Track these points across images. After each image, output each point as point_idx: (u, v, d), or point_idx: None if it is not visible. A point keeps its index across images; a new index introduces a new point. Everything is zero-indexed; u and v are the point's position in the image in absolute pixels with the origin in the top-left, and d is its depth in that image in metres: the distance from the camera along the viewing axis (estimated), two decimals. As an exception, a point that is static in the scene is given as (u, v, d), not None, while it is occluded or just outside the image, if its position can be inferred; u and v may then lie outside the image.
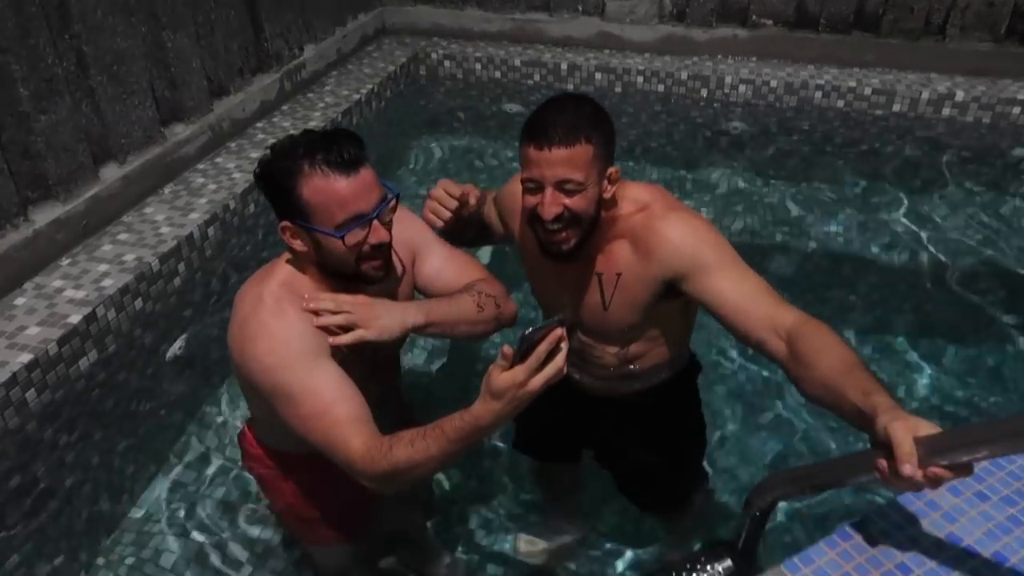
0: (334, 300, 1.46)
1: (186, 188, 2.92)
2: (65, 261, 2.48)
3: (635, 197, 1.65)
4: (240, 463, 2.52)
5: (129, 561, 2.24)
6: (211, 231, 2.73)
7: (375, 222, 1.41)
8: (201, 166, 3.10)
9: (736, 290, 1.51)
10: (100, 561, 2.24)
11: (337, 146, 1.36)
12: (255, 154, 3.18)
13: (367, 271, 1.46)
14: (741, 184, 3.82)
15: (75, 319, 2.21)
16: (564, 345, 1.22)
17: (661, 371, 1.85)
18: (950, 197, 3.66)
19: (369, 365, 1.57)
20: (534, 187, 1.52)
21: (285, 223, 1.42)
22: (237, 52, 3.35)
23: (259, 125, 3.47)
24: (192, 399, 2.70)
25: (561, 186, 1.48)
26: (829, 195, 3.71)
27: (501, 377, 1.19)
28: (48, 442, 2.15)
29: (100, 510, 2.32)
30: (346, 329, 1.46)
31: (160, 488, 2.45)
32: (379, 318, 1.49)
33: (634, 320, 1.68)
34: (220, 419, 2.70)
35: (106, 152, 2.71)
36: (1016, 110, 3.86)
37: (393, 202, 1.47)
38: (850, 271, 3.28)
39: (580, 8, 4.54)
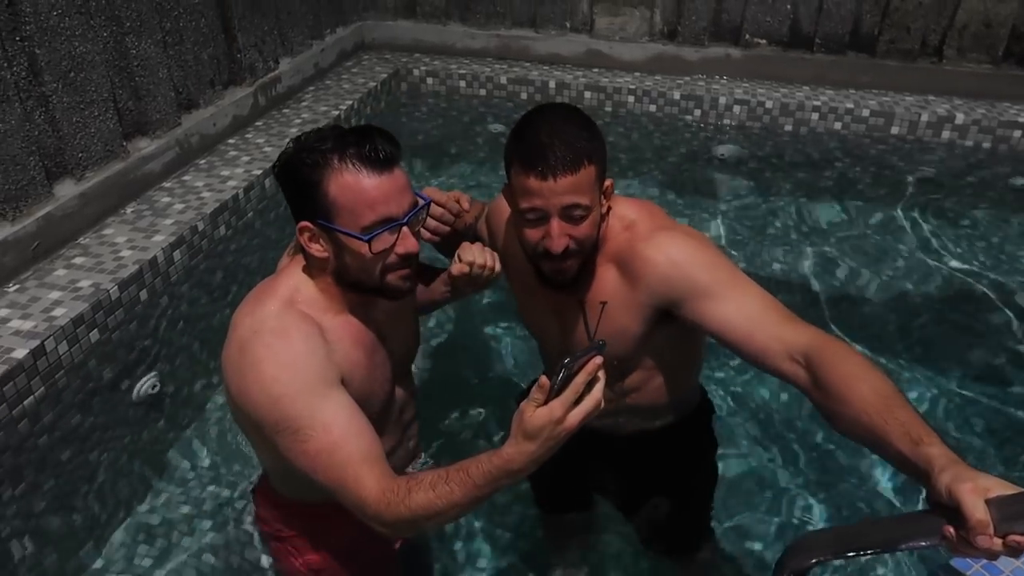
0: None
1: (150, 208, 2.68)
2: (12, 287, 2.22)
3: (621, 215, 1.49)
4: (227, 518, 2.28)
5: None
6: (177, 255, 2.49)
7: (405, 229, 1.27)
8: (167, 184, 2.85)
9: (738, 314, 1.34)
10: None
11: (371, 141, 1.21)
12: (226, 172, 2.96)
13: (393, 283, 1.31)
14: (736, 207, 3.67)
15: (20, 354, 1.95)
16: (602, 375, 1.07)
17: (664, 407, 1.67)
18: (951, 222, 3.54)
19: (394, 376, 1.46)
20: (537, 218, 1.35)
21: (305, 224, 1.26)
22: (208, 63, 3.13)
23: (231, 141, 3.24)
24: (159, 443, 2.44)
25: (568, 214, 1.33)
26: (826, 218, 3.57)
27: (536, 414, 1.04)
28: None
29: (51, 568, 2.05)
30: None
31: (121, 547, 2.20)
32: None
33: (624, 352, 1.51)
34: (190, 467, 2.45)
35: (61, 167, 2.46)
36: (1017, 134, 3.76)
37: (425, 211, 1.33)
38: (849, 298, 3.13)
39: (568, 25, 4.39)
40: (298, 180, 1.25)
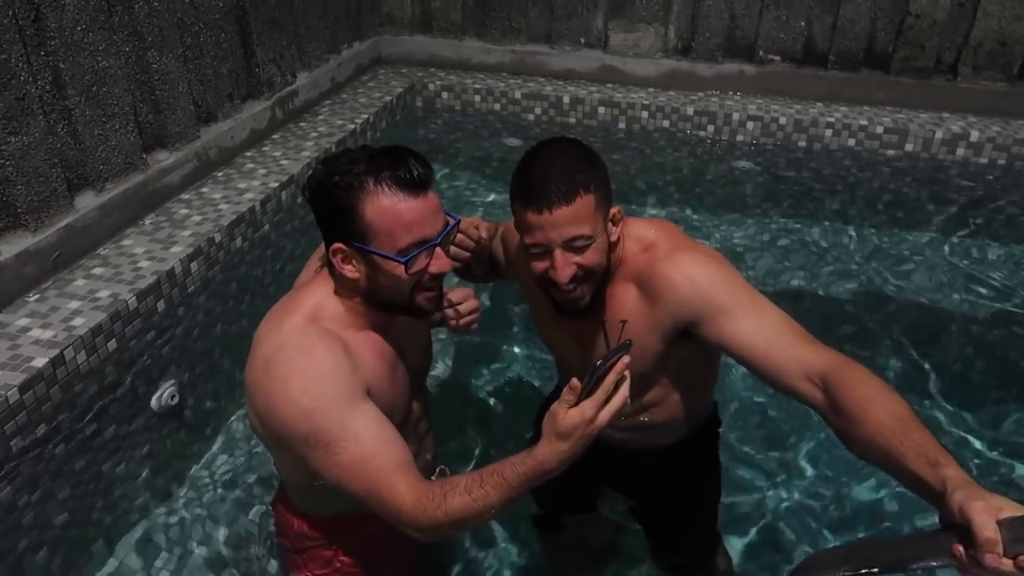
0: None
1: (168, 219, 2.72)
2: (33, 297, 2.25)
3: (639, 235, 1.51)
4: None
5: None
6: (194, 266, 2.52)
7: (438, 249, 1.29)
8: (185, 196, 2.89)
9: (756, 333, 1.35)
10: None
11: (405, 164, 1.23)
12: (243, 184, 2.99)
13: (421, 303, 1.33)
14: (749, 224, 3.68)
15: (40, 363, 1.97)
16: (627, 373, 1.13)
17: (680, 423, 1.69)
18: (965, 239, 3.53)
19: (411, 390, 1.49)
20: (541, 251, 1.38)
21: (339, 246, 1.28)
22: (227, 76, 3.17)
23: (248, 154, 3.28)
24: (175, 453, 2.46)
25: (570, 245, 1.35)
26: (841, 236, 3.57)
27: (569, 415, 1.09)
28: (6, 503, 1.90)
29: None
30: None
31: (135, 557, 2.22)
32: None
33: (645, 369, 1.52)
34: (208, 476, 2.47)
35: (83, 179, 2.50)
36: (1032, 151, 3.76)
37: (455, 230, 1.36)
38: (862, 314, 3.13)
39: (582, 40, 4.43)
40: (331, 203, 1.25)
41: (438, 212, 1.29)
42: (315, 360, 1.25)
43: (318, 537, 1.55)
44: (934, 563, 1.03)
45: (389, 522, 1.24)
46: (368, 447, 1.22)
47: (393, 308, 1.35)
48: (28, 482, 1.95)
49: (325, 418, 1.22)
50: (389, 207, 1.23)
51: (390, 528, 1.25)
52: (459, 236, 1.63)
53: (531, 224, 1.35)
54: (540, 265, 1.40)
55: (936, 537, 0.99)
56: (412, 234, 1.25)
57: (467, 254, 1.65)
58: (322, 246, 1.41)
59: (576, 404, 1.10)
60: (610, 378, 1.11)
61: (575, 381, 1.11)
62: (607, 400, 1.11)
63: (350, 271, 1.30)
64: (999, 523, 0.89)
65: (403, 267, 1.25)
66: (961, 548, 0.92)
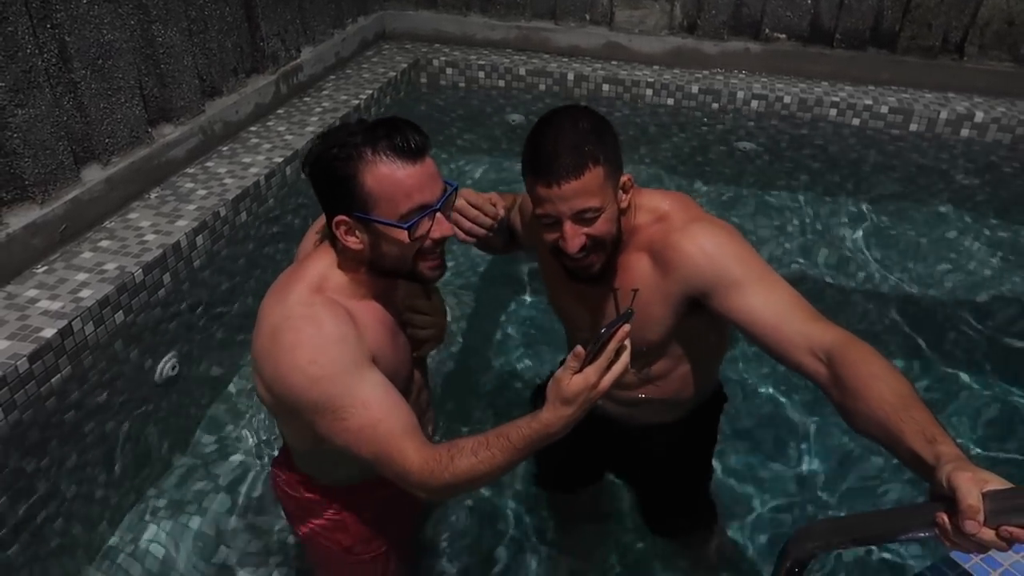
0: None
1: (174, 193, 2.73)
2: (40, 269, 2.28)
3: (654, 206, 1.52)
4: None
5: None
6: (200, 240, 2.54)
7: (439, 214, 1.31)
8: (191, 170, 2.91)
9: (765, 307, 1.37)
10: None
11: (401, 132, 1.25)
12: (248, 159, 3.01)
13: (424, 271, 1.36)
14: (752, 202, 3.69)
15: (49, 333, 2.01)
16: (628, 342, 1.18)
17: (685, 397, 1.71)
18: (968, 221, 3.53)
19: (412, 360, 1.53)
20: (551, 222, 1.40)
21: (341, 217, 1.30)
22: (231, 51, 3.18)
23: (253, 128, 3.29)
24: (180, 422, 2.51)
25: (579, 216, 1.38)
26: (843, 215, 3.58)
27: (573, 381, 1.14)
28: (14, 468, 1.94)
29: (73, 540, 2.12)
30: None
31: (142, 521, 2.27)
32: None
33: (654, 338, 1.55)
34: (211, 446, 2.51)
35: (88, 152, 2.52)
36: (1037, 132, 3.75)
37: (455, 195, 1.38)
38: (863, 294, 3.15)
39: (588, 17, 4.41)
40: (331, 175, 1.27)
41: (436, 178, 1.31)
42: (321, 329, 1.27)
43: (320, 500, 1.58)
44: (921, 534, 1.06)
45: (397, 484, 1.27)
46: (375, 412, 1.25)
47: (397, 275, 1.37)
48: (38, 448, 1.99)
49: (332, 385, 1.25)
50: (388, 174, 1.25)
51: (392, 494, 1.27)
52: (476, 213, 1.63)
53: (541, 196, 1.38)
54: (551, 235, 1.42)
55: (923, 508, 1.01)
56: (413, 199, 1.27)
57: (483, 231, 1.65)
58: (320, 220, 1.44)
59: (580, 371, 1.14)
60: (611, 345, 1.15)
61: (579, 348, 1.14)
62: (609, 367, 1.16)
63: (354, 242, 1.32)
64: (984, 494, 0.91)
65: (406, 232, 1.28)
66: (945, 516, 0.94)
